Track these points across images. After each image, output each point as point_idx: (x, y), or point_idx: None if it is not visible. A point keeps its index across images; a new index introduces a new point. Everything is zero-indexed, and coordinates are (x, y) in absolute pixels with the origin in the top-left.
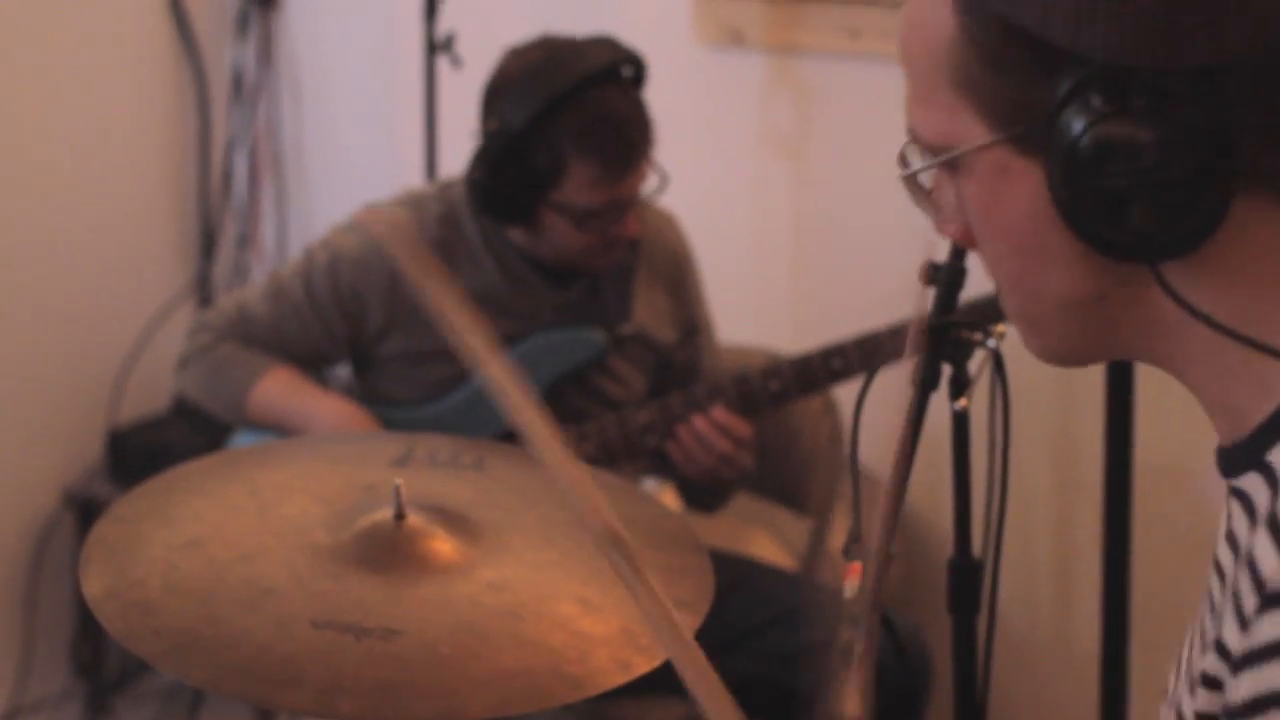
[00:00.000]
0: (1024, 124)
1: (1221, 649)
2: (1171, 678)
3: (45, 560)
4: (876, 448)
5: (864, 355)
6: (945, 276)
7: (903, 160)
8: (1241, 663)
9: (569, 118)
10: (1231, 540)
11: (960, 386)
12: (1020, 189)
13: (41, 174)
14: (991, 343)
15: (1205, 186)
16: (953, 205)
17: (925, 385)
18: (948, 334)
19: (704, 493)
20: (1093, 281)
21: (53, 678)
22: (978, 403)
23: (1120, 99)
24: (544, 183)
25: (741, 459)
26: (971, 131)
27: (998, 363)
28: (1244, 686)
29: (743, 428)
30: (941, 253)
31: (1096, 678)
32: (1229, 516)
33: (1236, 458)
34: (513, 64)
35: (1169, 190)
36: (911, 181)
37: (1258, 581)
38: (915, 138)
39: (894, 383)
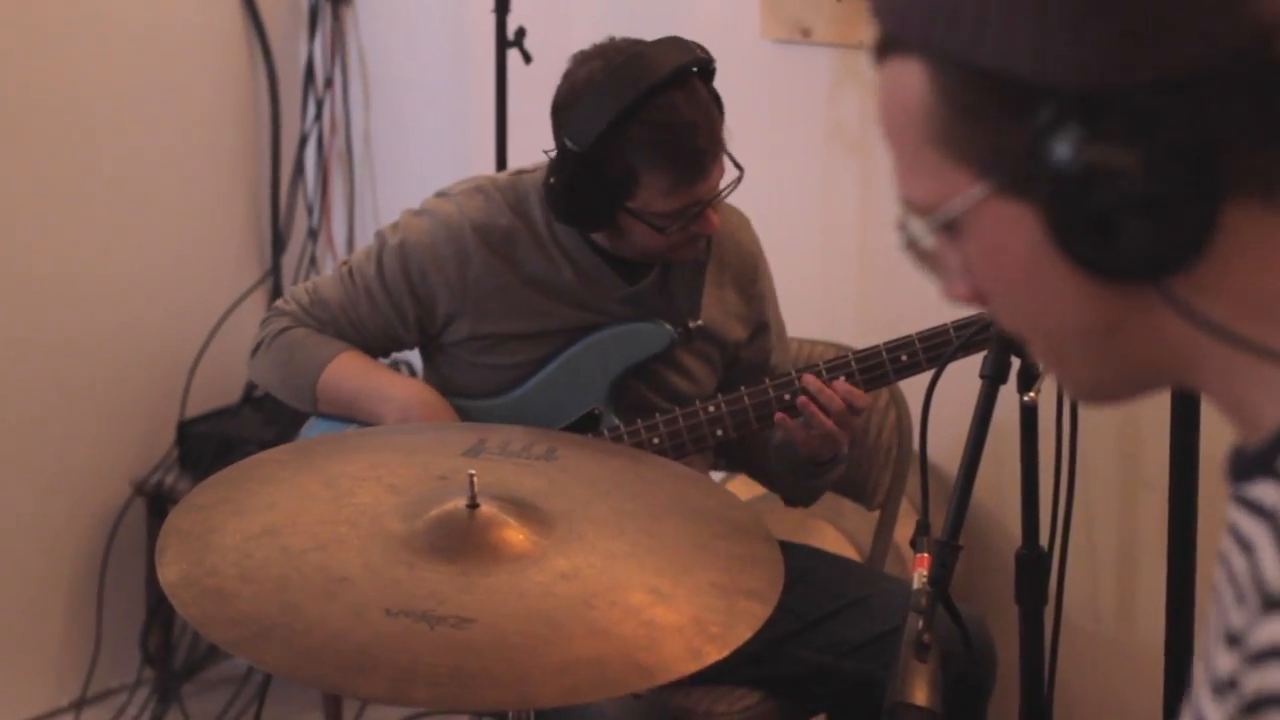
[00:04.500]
0: (1008, 168)
1: (1233, 640)
2: (1199, 667)
3: (115, 551)
4: (943, 441)
5: (930, 350)
6: None
7: (902, 230)
8: (1245, 663)
9: (636, 131)
10: (1242, 542)
11: (1028, 380)
12: (1018, 234)
13: (114, 168)
14: None
15: (1192, 198)
16: (958, 267)
17: (994, 378)
18: None
19: (805, 473)
20: (1102, 311)
21: (123, 666)
22: (1044, 396)
23: (1095, 123)
24: (619, 194)
25: (853, 425)
26: (961, 188)
27: None
28: (1248, 686)
29: (863, 397)
30: None
31: (1160, 672)
32: (1235, 522)
33: (1248, 463)
34: (577, 75)
35: (1157, 206)
36: (914, 250)
37: (1259, 582)
38: (911, 206)
39: (960, 376)
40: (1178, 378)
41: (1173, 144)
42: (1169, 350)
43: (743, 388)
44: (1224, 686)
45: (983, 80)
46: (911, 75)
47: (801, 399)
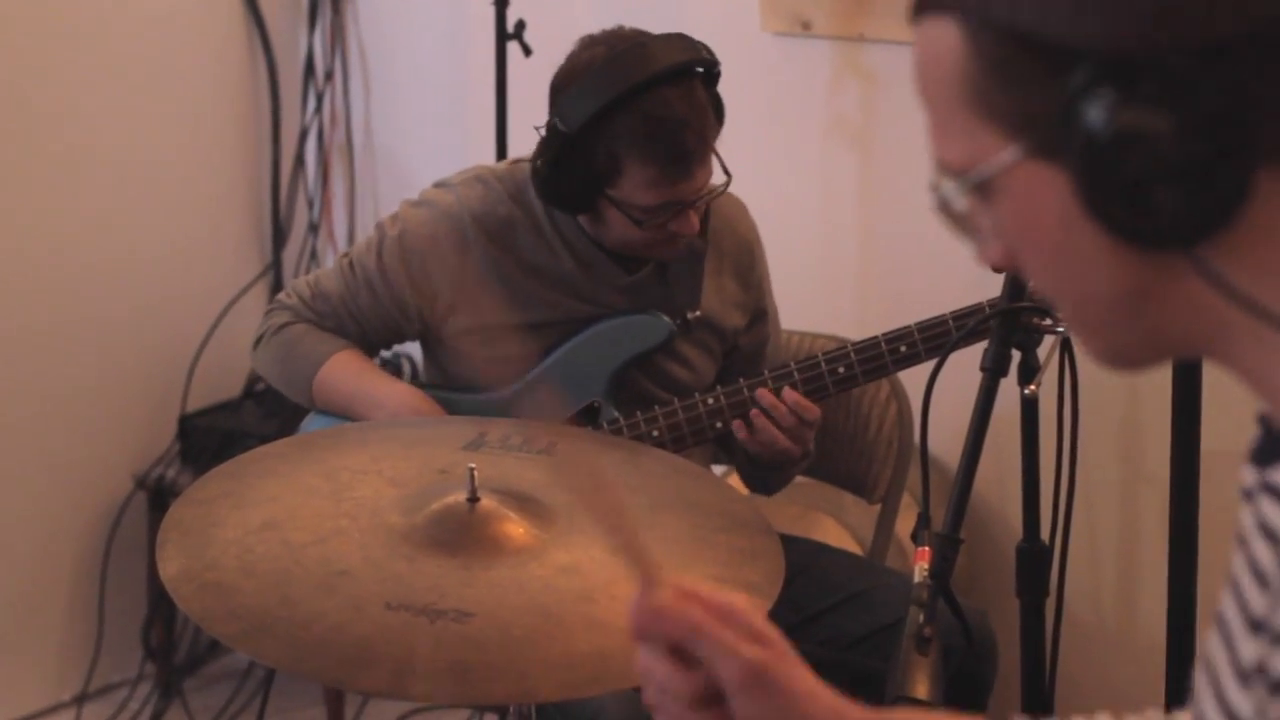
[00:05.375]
0: (1040, 130)
1: (1258, 626)
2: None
3: (117, 545)
4: (944, 433)
5: (929, 340)
6: None
7: (935, 192)
8: (1272, 645)
9: (625, 120)
10: (1267, 529)
11: (1029, 372)
12: (1049, 197)
13: (116, 162)
14: (1061, 328)
15: (1224, 165)
16: (990, 230)
17: (995, 371)
18: (1017, 320)
19: (766, 469)
20: (1132, 277)
21: (124, 661)
22: (1045, 388)
23: (1129, 88)
24: (601, 180)
25: (806, 437)
26: (994, 150)
27: (1067, 348)
28: (1276, 669)
29: (812, 410)
30: None
31: (1161, 664)
32: (1257, 512)
33: (1275, 446)
34: (579, 58)
35: (1188, 173)
36: (947, 213)
37: None
38: (944, 168)
39: (961, 369)
40: (1203, 349)
41: (1206, 110)
42: (1196, 320)
43: (742, 380)
44: (1251, 673)
45: (1018, 41)
46: (947, 35)
47: (754, 412)
